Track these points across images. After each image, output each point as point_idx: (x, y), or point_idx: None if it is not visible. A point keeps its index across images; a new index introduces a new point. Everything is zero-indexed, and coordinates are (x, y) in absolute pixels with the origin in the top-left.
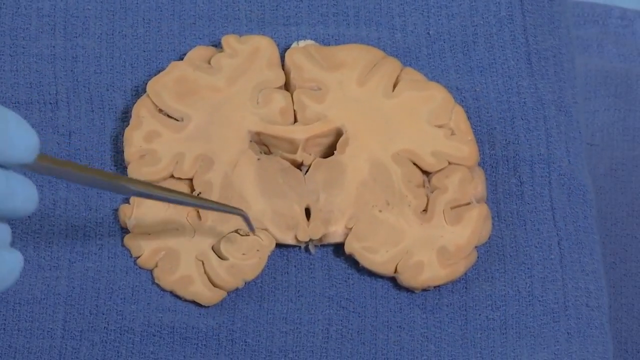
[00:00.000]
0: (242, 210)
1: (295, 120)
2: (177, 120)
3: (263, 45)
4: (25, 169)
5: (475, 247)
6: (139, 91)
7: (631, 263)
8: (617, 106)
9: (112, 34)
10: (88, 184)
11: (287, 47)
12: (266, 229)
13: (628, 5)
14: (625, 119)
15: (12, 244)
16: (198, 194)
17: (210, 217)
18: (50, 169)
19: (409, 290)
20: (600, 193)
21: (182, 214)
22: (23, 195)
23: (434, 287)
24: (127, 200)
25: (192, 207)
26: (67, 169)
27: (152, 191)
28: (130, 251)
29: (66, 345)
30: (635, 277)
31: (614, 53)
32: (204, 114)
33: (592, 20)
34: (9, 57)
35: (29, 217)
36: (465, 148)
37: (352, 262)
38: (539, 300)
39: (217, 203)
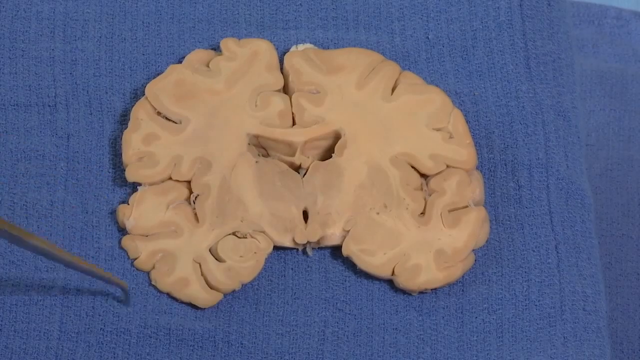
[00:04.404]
0: (122, 283)
1: (294, 123)
2: (176, 122)
3: (262, 49)
4: None
5: (473, 250)
6: (138, 94)
7: (627, 263)
8: (613, 106)
9: (111, 37)
10: None
11: (286, 51)
12: (264, 232)
13: (624, 5)
14: (621, 119)
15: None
16: (196, 197)
17: (208, 220)
18: None
19: (406, 292)
20: (595, 193)
21: (180, 215)
22: None
23: (431, 289)
24: (125, 201)
25: (80, 271)
26: None
27: (48, 250)
28: (127, 253)
29: (62, 346)
30: (630, 277)
31: (609, 53)
32: (202, 117)
33: (587, 21)
34: (8, 60)
35: (26, 217)
36: (463, 151)
37: (350, 264)
38: (536, 304)
39: (102, 273)
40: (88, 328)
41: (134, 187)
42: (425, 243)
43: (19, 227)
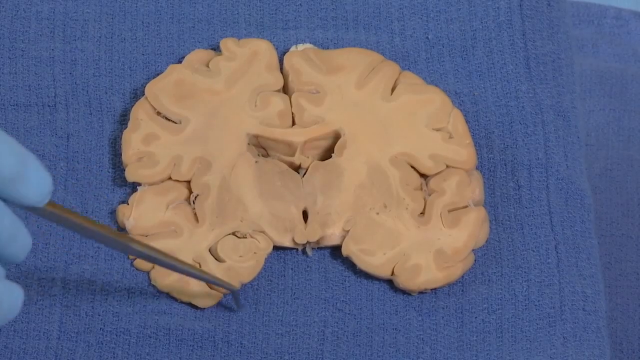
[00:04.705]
0: (233, 286)
1: (294, 123)
2: (175, 123)
3: (262, 49)
4: (30, 212)
5: (473, 250)
6: (138, 94)
7: (626, 263)
8: (612, 106)
9: (111, 37)
10: (91, 237)
11: (286, 51)
12: (263, 232)
13: (623, 5)
14: (620, 118)
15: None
16: (196, 197)
17: (208, 219)
18: (56, 216)
19: (406, 292)
20: (595, 193)
21: (180, 215)
22: (22, 242)
23: (431, 289)
24: (125, 201)
25: (187, 275)
26: (73, 219)
27: (153, 254)
28: None
29: (62, 346)
30: (630, 277)
31: (609, 53)
32: (202, 117)
33: (587, 20)
34: (8, 60)
35: (25, 217)
36: (463, 151)
37: (349, 264)
38: (536, 304)
39: (212, 276)
40: (88, 328)
41: (134, 187)
42: (425, 243)
43: (118, 231)
